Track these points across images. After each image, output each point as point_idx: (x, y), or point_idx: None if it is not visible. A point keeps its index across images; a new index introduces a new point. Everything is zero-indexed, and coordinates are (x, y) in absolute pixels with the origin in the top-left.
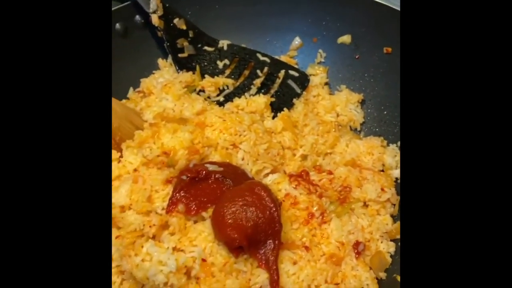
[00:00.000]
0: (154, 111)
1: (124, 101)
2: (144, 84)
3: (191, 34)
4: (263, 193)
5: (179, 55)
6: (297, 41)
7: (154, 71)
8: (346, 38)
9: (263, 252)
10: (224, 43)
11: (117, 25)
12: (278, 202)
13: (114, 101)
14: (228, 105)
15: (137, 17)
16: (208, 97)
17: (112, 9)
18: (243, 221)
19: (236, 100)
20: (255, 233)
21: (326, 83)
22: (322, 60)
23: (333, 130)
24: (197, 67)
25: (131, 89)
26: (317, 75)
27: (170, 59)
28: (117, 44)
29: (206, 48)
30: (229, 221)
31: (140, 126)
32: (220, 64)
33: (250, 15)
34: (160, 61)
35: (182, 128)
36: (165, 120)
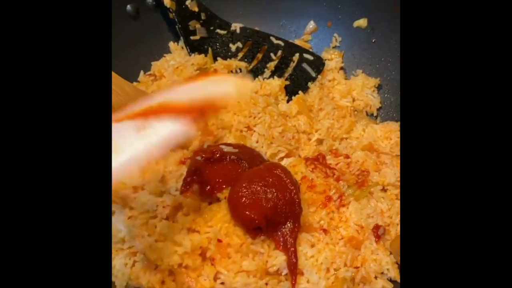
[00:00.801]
0: None
1: (135, 84)
2: (155, 67)
3: (203, 16)
4: (283, 175)
5: (191, 37)
6: (311, 25)
7: (165, 55)
8: (362, 22)
9: (282, 234)
10: (236, 26)
11: (128, 7)
12: (297, 185)
13: (125, 83)
14: None
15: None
16: None
17: None
18: (262, 202)
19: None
20: (274, 215)
21: (341, 68)
22: (337, 44)
23: (349, 115)
24: (209, 50)
25: (141, 72)
26: (332, 59)
27: (181, 42)
28: (127, 27)
29: (218, 31)
30: (248, 202)
31: None
32: (233, 47)
33: (262, 2)
34: (172, 44)
35: None
36: None
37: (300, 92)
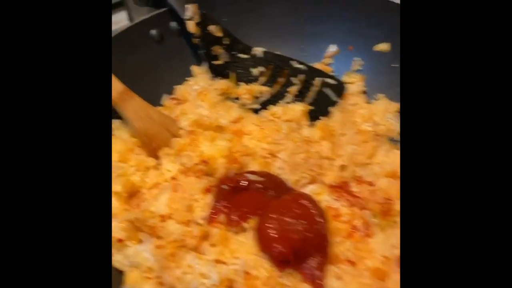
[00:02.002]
0: (190, 118)
1: (159, 108)
2: (179, 91)
3: (226, 41)
4: (310, 205)
5: (214, 62)
6: (332, 48)
7: (187, 78)
8: (384, 46)
9: (309, 267)
10: (258, 50)
11: (153, 32)
12: (324, 216)
13: (151, 108)
14: (263, 112)
15: (172, 24)
16: (244, 105)
17: (148, 15)
18: (290, 234)
19: (272, 108)
20: (303, 247)
21: (363, 92)
22: (359, 68)
23: (371, 140)
24: (233, 75)
25: (164, 95)
26: (354, 83)
27: (204, 65)
28: (152, 51)
29: (240, 55)
30: (276, 234)
31: (176, 134)
32: (255, 71)
33: (284, 23)
34: (194, 68)
35: (220, 136)
36: (201, 127)
37: (321, 117)
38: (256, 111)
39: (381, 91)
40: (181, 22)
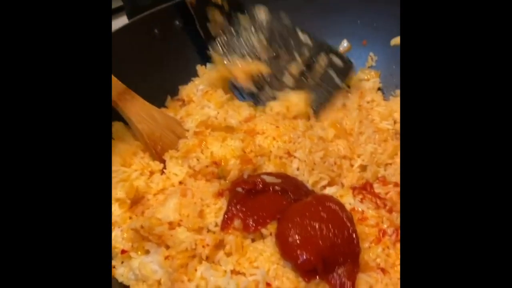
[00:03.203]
0: (196, 119)
1: (162, 109)
2: (184, 92)
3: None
4: (338, 208)
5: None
6: (345, 43)
7: (193, 78)
8: (399, 40)
9: (338, 276)
10: (261, 11)
11: (156, 30)
12: (353, 220)
13: (154, 109)
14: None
15: (177, 22)
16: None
17: (151, 10)
18: (317, 240)
19: (274, 107)
20: (332, 255)
21: (379, 88)
22: (373, 64)
23: (391, 138)
24: (216, 57)
25: (168, 97)
26: (369, 80)
27: (209, 65)
28: (155, 49)
29: (240, 16)
30: (300, 239)
31: (182, 136)
32: (254, 41)
33: (295, 19)
34: (199, 68)
35: (232, 136)
36: (210, 128)
37: (333, 115)
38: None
39: (398, 86)
40: (186, 18)
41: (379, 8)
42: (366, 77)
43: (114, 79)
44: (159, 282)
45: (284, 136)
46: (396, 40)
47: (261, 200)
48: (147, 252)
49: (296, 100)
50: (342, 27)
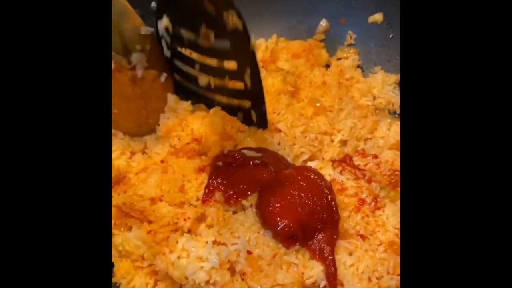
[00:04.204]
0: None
1: None
2: None
3: None
4: (317, 178)
5: None
6: (323, 23)
7: None
8: (377, 17)
9: (318, 242)
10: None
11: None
12: (332, 189)
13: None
14: None
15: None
16: None
17: None
18: (297, 208)
19: None
20: (311, 221)
21: (358, 66)
22: (352, 42)
23: (371, 114)
24: None
25: None
26: (348, 58)
27: None
28: None
29: None
30: (280, 208)
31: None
32: None
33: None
34: None
35: (212, 114)
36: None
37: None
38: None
39: (378, 63)
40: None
41: None
42: (345, 55)
43: None
44: (142, 257)
45: (268, 107)
46: (374, 17)
47: (242, 174)
48: (129, 228)
49: (271, 81)
50: (319, 6)
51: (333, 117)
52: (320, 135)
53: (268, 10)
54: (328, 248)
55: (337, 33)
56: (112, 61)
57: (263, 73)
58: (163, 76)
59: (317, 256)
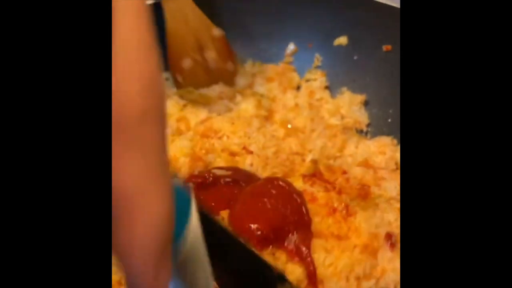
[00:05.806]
0: None
1: None
2: None
3: None
4: (286, 185)
5: None
6: (291, 46)
7: None
8: (342, 40)
9: (293, 243)
10: None
11: None
12: (302, 196)
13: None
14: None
15: None
16: None
17: None
18: (267, 213)
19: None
20: (283, 224)
21: (326, 87)
22: (319, 64)
23: (339, 133)
24: None
25: None
26: (317, 79)
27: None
28: None
29: None
30: (252, 215)
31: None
32: None
33: (239, 26)
34: None
35: (180, 137)
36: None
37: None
38: None
39: (344, 84)
40: None
41: (321, 10)
42: (313, 77)
43: None
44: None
45: (240, 131)
46: (339, 40)
47: (212, 192)
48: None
49: (245, 106)
50: (287, 31)
51: (303, 138)
52: (291, 155)
53: (236, 34)
54: (304, 248)
55: (305, 56)
56: None
57: (238, 98)
58: None
59: (295, 256)
